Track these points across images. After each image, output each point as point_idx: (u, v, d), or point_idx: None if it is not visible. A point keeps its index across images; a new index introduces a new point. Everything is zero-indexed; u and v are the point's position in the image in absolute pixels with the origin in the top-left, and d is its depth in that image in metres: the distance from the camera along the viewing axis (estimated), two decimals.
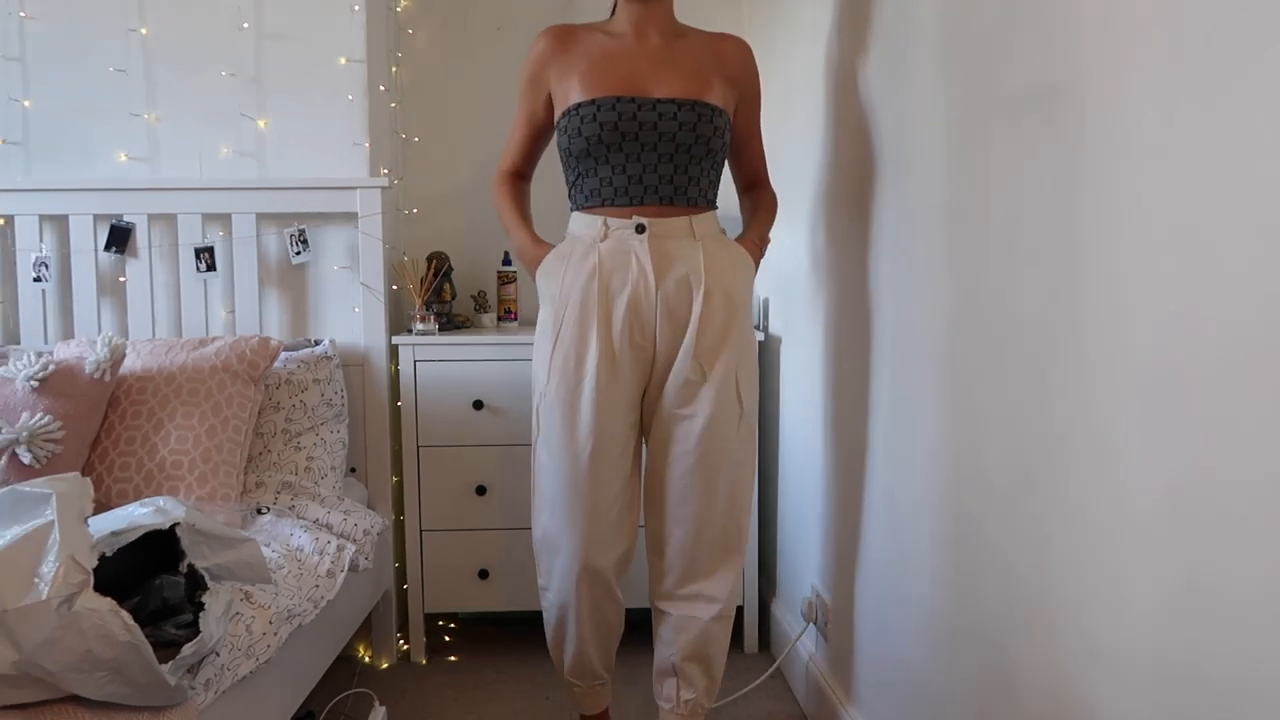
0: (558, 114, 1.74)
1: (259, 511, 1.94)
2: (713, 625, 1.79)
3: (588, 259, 1.68)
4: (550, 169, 1.93)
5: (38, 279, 2.35)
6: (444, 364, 2.39)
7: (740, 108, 1.81)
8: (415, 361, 2.38)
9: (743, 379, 1.71)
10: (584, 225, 1.71)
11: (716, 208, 1.78)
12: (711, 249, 1.70)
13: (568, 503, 1.71)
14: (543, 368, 1.72)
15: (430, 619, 2.54)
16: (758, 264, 1.82)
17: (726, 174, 1.87)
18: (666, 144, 1.66)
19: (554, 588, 1.79)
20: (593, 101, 1.66)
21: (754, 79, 1.83)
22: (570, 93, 1.71)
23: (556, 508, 1.73)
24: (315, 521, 1.95)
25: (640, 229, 1.66)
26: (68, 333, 2.39)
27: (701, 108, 1.67)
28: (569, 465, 1.69)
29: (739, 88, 1.79)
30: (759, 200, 1.91)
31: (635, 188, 1.67)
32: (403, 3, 2.77)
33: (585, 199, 1.72)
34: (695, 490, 1.72)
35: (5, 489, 1.25)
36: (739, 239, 1.81)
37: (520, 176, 1.91)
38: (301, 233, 2.36)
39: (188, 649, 1.22)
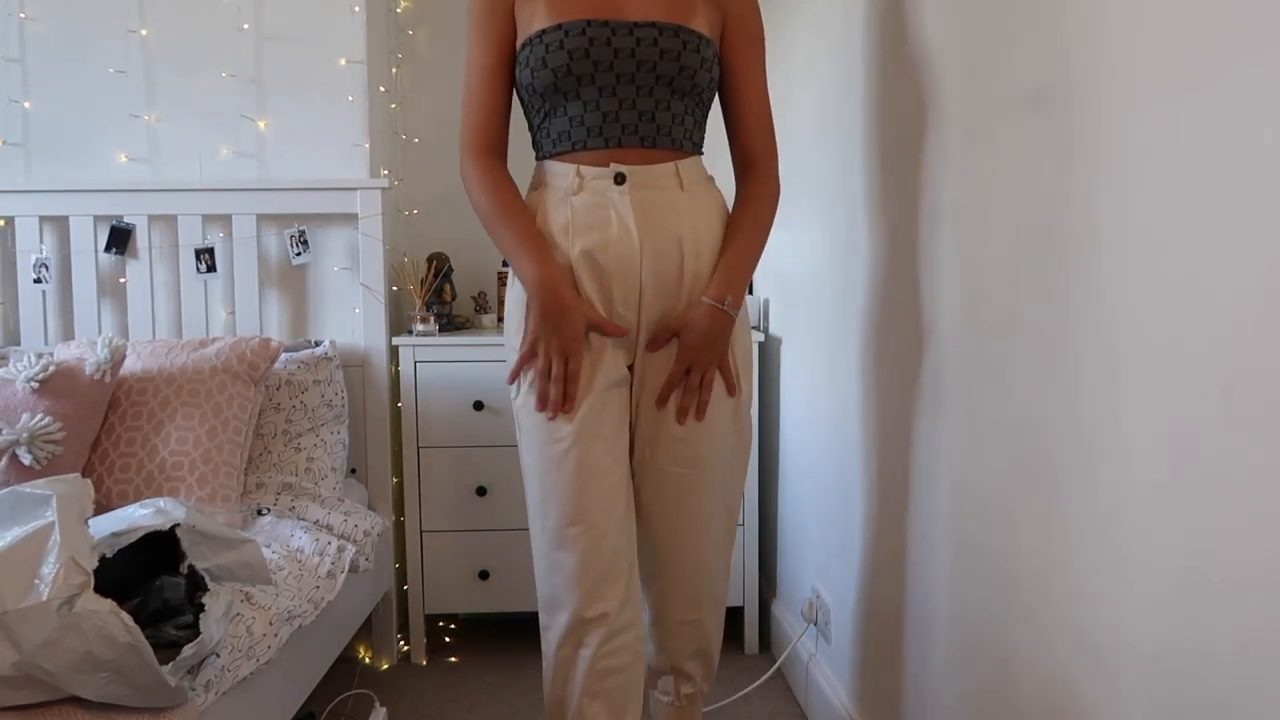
0: (519, 44, 1.44)
1: (259, 512, 1.94)
2: (710, 623, 1.65)
3: (557, 215, 1.43)
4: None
5: (38, 280, 2.35)
6: (444, 365, 2.39)
7: (727, 37, 1.50)
8: (415, 362, 2.38)
9: (739, 352, 1.51)
10: (554, 175, 1.45)
11: (703, 153, 1.53)
12: (704, 203, 1.47)
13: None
14: (515, 351, 1.47)
15: (430, 620, 2.54)
16: (725, 324, 1.45)
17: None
18: (646, 75, 1.39)
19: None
20: (559, 26, 1.39)
21: (741, 5, 1.51)
22: (534, 18, 1.42)
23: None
24: (315, 522, 1.95)
25: (620, 179, 1.41)
26: (68, 334, 2.39)
27: (686, 34, 1.41)
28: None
29: (723, 11, 1.49)
30: (747, 195, 1.53)
31: (611, 127, 1.41)
32: (403, 3, 2.77)
33: (553, 144, 1.45)
34: (684, 487, 1.51)
35: (6, 490, 1.25)
36: (711, 281, 1.46)
37: (495, 152, 1.50)
38: (302, 233, 2.36)
39: (188, 650, 1.22)
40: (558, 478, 1.41)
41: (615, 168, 1.42)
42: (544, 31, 1.40)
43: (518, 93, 1.50)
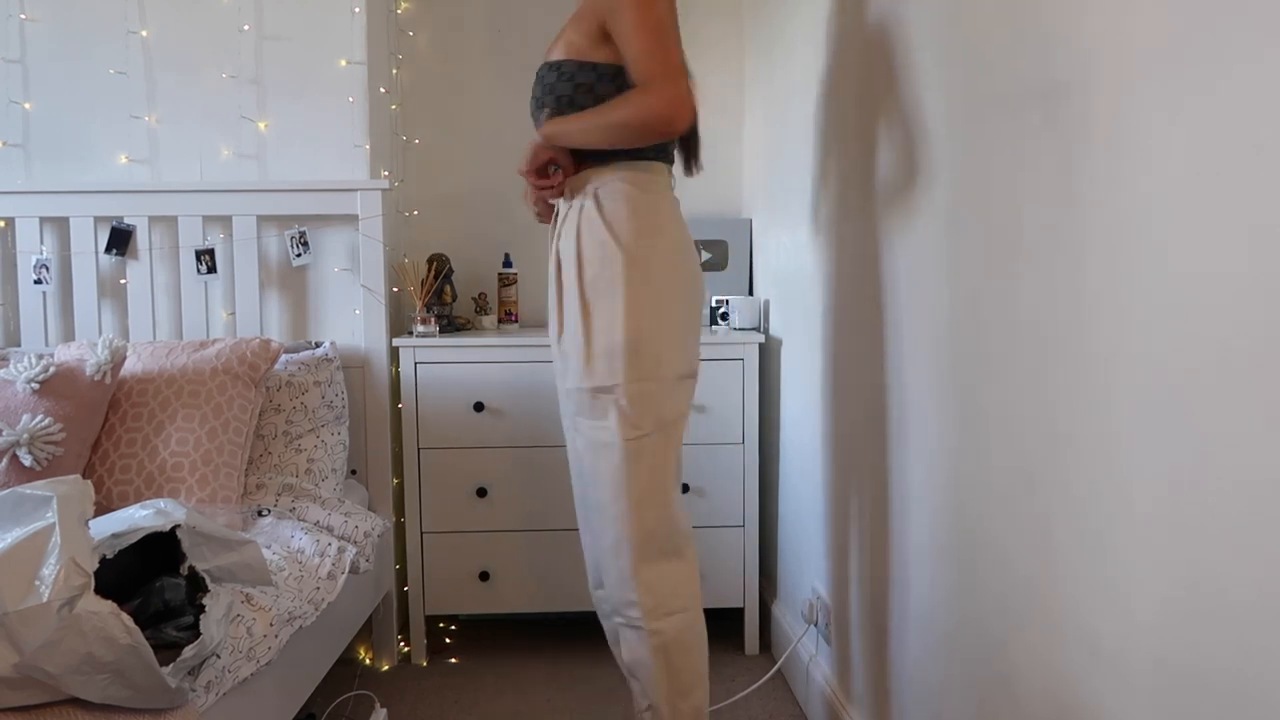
0: None
1: (260, 513, 1.94)
2: (629, 634, 1.65)
3: (678, 206, 1.74)
4: None
5: (38, 281, 2.36)
6: (445, 366, 2.39)
7: (608, 21, 1.60)
8: (416, 363, 2.38)
9: (600, 346, 1.58)
10: (664, 173, 1.73)
11: (622, 158, 1.63)
12: (588, 208, 1.64)
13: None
14: (686, 356, 1.72)
15: (431, 621, 2.54)
16: (545, 141, 1.66)
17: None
18: (538, 112, 1.69)
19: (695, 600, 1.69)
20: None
21: None
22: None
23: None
24: (316, 523, 1.95)
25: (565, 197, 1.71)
26: (68, 335, 2.39)
27: (545, 69, 1.68)
28: None
29: (595, 11, 1.61)
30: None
31: (561, 155, 1.68)
32: (403, 5, 2.77)
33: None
34: (574, 473, 1.74)
35: (6, 491, 1.25)
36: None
37: None
38: (302, 234, 2.36)
39: (188, 651, 1.22)
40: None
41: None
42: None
43: None
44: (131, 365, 2.01)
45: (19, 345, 2.39)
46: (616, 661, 1.75)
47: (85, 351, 1.94)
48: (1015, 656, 1.19)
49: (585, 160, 1.66)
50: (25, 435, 1.73)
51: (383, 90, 2.57)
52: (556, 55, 1.67)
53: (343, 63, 2.42)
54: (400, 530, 2.48)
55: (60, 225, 2.38)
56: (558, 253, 1.68)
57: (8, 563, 1.12)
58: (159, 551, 1.33)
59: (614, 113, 1.58)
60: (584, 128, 1.62)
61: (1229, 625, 0.82)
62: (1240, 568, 0.80)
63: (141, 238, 2.37)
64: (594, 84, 1.63)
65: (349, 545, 1.91)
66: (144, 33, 2.39)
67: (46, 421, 1.76)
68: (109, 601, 1.14)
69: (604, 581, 1.69)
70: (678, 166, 1.77)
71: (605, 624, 1.80)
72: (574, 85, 1.63)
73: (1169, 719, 0.90)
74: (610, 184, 1.63)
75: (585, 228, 1.63)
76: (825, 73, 1.97)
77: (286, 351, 2.23)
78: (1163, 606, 0.90)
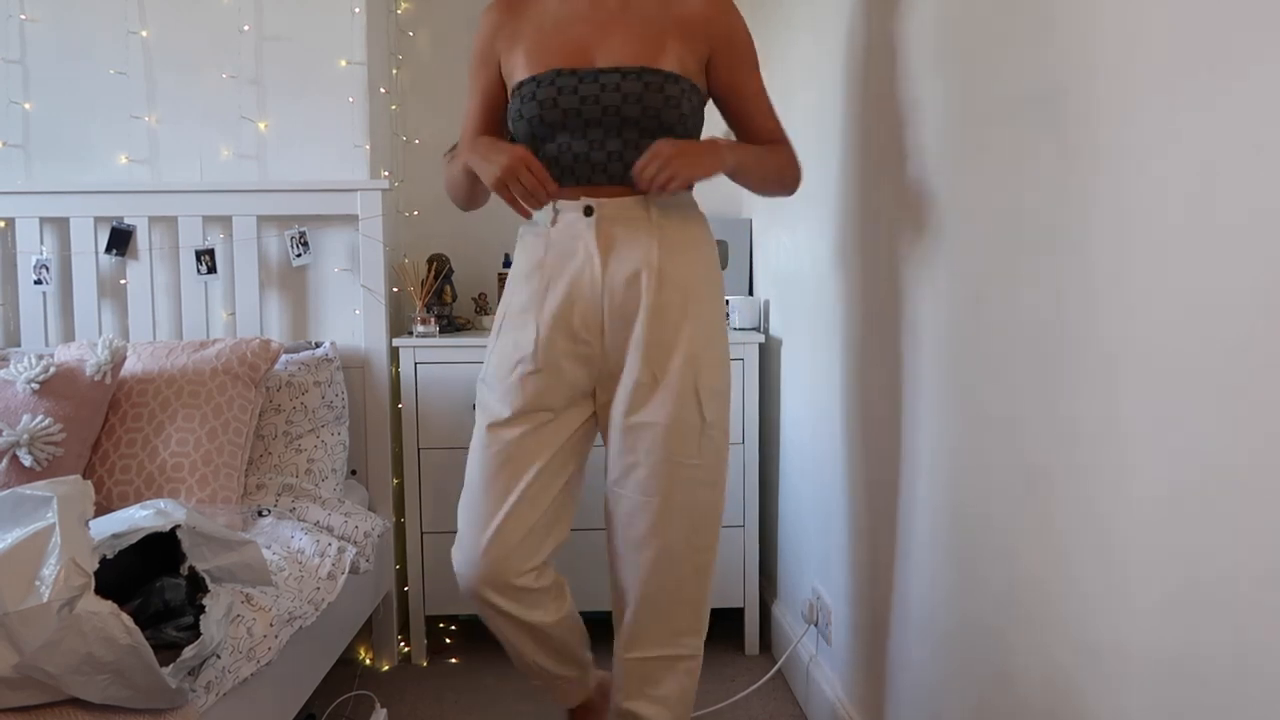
0: (510, 93, 1.58)
1: (260, 514, 1.94)
2: (677, 668, 1.63)
3: (535, 247, 1.55)
4: None
5: (38, 281, 2.35)
6: (445, 366, 2.39)
7: (716, 61, 1.56)
8: (416, 364, 2.38)
9: (704, 384, 1.52)
10: (539, 210, 1.54)
11: (690, 188, 1.59)
12: (672, 234, 1.52)
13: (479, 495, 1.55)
14: (485, 363, 1.61)
15: (431, 621, 2.54)
16: (708, 151, 1.48)
17: None
18: (611, 119, 1.48)
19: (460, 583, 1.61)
20: (534, 78, 1.51)
21: (727, 26, 1.57)
22: (515, 69, 1.56)
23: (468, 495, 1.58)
24: (316, 524, 1.95)
25: (588, 211, 1.50)
26: (68, 335, 2.39)
27: (650, 75, 1.47)
28: (485, 453, 1.55)
29: (707, 40, 1.55)
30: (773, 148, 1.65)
31: (582, 166, 1.50)
32: (403, 5, 2.77)
33: None
34: (645, 516, 1.54)
35: (6, 492, 1.25)
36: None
37: None
38: (302, 235, 2.36)
39: (188, 651, 1.22)
40: (509, 394, 1.56)
41: (585, 201, 1.51)
42: (522, 84, 1.53)
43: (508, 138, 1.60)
44: (131, 365, 2.01)
45: (19, 345, 2.39)
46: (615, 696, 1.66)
47: (85, 352, 1.94)
48: (1016, 656, 1.19)
49: (629, 179, 1.50)
50: (25, 435, 1.73)
51: (383, 90, 2.57)
52: (668, 66, 1.50)
53: (343, 63, 2.42)
54: (400, 530, 2.48)
55: (60, 225, 2.38)
56: (643, 272, 1.50)
57: (8, 563, 1.12)
58: (159, 552, 1.33)
59: (789, 165, 1.64)
60: (765, 169, 1.61)
61: (1228, 622, 0.82)
62: (1239, 565, 0.80)
63: (141, 238, 2.37)
64: (697, 109, 1.57)
65: (349, 545, 1.91)
66: (144, 33, 2.39)
67: (46, 422, 1.76)
68: (109, 602, 1.14)
69: (649, 621, 1.59)
70: None
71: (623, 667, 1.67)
72: (691, 106, 1.54)
73: (1168, 715, 0.90)
74: (692, 210, 1.59)
75: (693, 254, 1.54)
76: (826, 71, 1.97)
77: (286, 352, 2.23)
78: (1163, 607, 0.90)
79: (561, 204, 1.52)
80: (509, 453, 1.54)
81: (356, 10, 2.41)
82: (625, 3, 1.54)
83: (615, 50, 1.49)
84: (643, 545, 1.56)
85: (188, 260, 2.36)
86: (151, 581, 1.31)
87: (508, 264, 2.71)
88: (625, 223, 1.50)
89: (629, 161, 1.47)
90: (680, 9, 1.55)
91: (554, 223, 1.53)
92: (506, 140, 1.59)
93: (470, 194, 1.67)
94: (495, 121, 1.64)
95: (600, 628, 2.48)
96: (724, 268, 2.73)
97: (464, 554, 1.58)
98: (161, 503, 1.36)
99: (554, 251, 1.52)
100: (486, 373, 1.60)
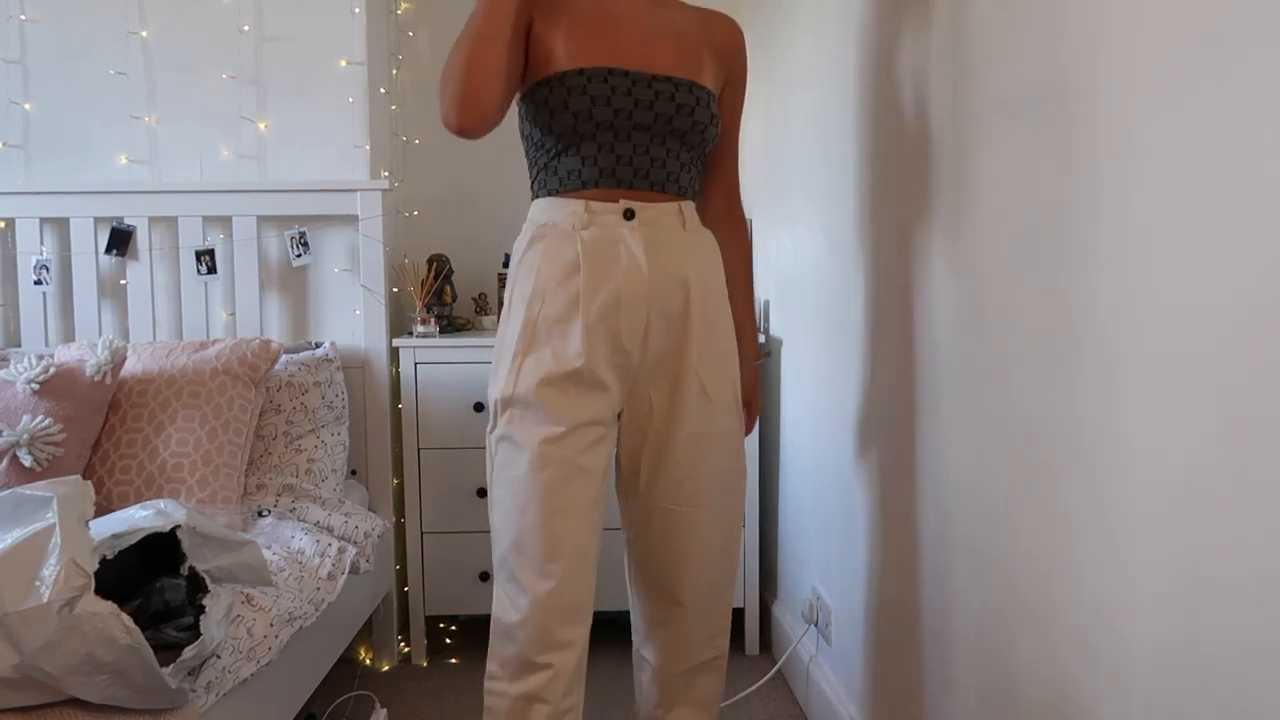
0: (533, 77, 1.46)
1: (260, 514, 1.94)
2: (711, 669, 1.64)
3: (565, 250, 1.43)
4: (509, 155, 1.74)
5: (38, 282, 2.36)
6: (445, 366, 2.39)
7: (726, 92, 1.59)
8: (416, 364, 2.38)
9: (737, 391, 1.56)
10: (560, 211, 1.45)
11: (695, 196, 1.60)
12: (700, 242, 1.52)
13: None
14: (508, 382, 1.46)
15: (431, 621, 2.54)
16: (753, 361, 1.66)
17: None
18: (662, 126, 1.44)
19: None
20: (582, 71, 1.41)
21: (743, 65, 1.61)
22: (553, 55, 1.44)
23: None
24: (316, 524, 1.95)
25: (629, 214, 1.43)
26: (68, 335, 2.39)
27: (698, 90, 1.47)
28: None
29: (727, 70, 1.58)
30: (737, 245, 1.65)
31: (624, 170, 1.44)
32: (403, 5, 2.77)
33: (560, 182, 1.46)
34: (691, 528, 1.52)
35: (6, 492, 1.25)
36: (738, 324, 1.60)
37: None
38: (302, 235, 2.36)
39: (189, 652, 1.22)
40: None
41: (625, 203, 1.44)
42: (565, 74, 1.42)
43: (529, 127, 1.51)
44: (131, 366, 2.01)
45: (19, 346, 2.39)
46: (645, 706, 1.67)
47: (85, 352, 1.94)
48: (1017, 656, 1.19)
49: (684, 191, 1.50)
50: (25, 436, 1.73)
51: (383, 90, 2.57)
52: (707, 83, 1.50)
53: (343, 63, 2.42)
54: (400, 530, 2.48)
55: (60, 226, 2.38)
56: (689, 278, 1.48)
57: (8, 563, 1.12)
58: (159, 552, 1.33)
59: (748, 248, 1.72)
60: (751, 300, 1.72)
61: (1229, 623, 0.82)
62: (1239, 567, 0.80)
63: (141, 238, 2.37)
64: (716, 130, 1.55)
65: (349, 545, 1.91)
66: (144, 33, 2.39)
67: (46, 422, 1.76)
68: (109, 602, 1.14)
69: (697, 631, 1.59)
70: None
71: (648, 677, 1.67)
72: (717, 128, 1.53)
73: (1169, 717, 0.90)
74: (699, 223, 1.57)
75: (716, 262, 1.55)
76: (826, 71, 1.96)
77: (286, 352, 2.23)
78: (1164, 604, 0.90)
79: (595, 204, 1.44)
80: (577, 464, 1.43)
81: (356, 10, 2.41)
82: (663, 15, 1.52)
83: (665, 59, 1.46)
84: (689, 556, 1.54)
85: (188, 260, 2.36)
86: (152, 582, 1.31)
87: (508, 264, 2.71)
88: (664, 229, 1.47)
89: (670, 170, 1.47)
90: (715, 33, 1.56)
91: (587, 225, 1.43)
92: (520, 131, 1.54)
93: (498, 27, 1.38)
94: (519, 28, 1.44)
95: (600, 628, 2.48)
96: None
97: (531, 591, 1.45)
98: (161, 503, 1.36)
99: (592, 255, 1.42)
100: (516, 391, 1.45)
